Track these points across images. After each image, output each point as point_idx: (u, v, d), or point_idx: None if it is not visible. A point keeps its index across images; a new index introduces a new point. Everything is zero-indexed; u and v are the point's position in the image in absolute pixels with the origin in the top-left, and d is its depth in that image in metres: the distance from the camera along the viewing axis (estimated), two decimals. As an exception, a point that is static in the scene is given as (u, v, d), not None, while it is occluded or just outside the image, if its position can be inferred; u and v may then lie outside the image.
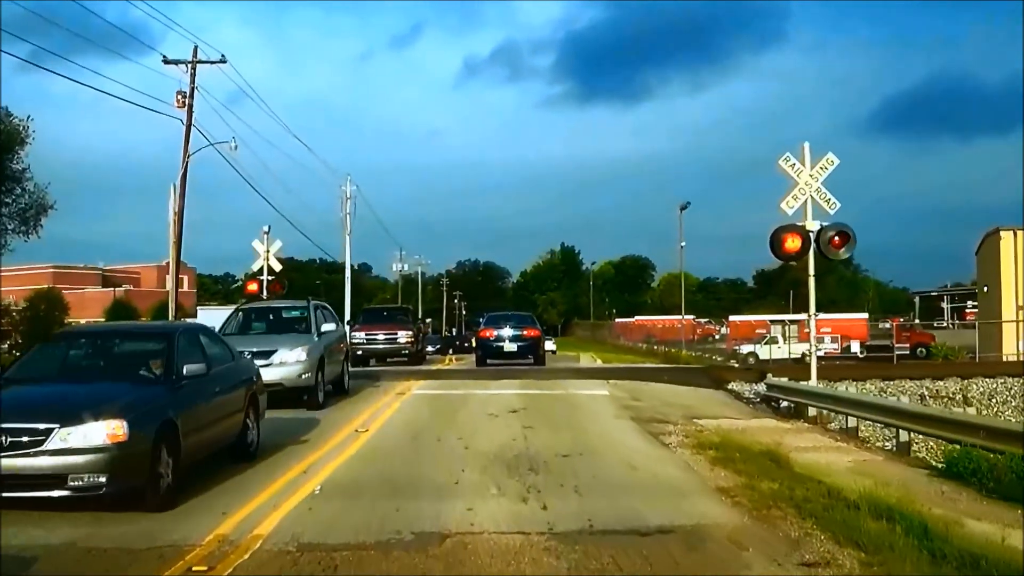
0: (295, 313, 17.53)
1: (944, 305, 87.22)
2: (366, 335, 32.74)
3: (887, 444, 17.08)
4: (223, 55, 33.32)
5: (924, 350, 47.64)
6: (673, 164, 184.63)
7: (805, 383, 17.41)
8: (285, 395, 14.51)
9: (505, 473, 9.52)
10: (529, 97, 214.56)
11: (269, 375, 13.62)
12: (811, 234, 17.56)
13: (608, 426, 13.78)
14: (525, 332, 30.57)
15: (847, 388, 17.17)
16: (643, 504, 8.17)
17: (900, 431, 13.07)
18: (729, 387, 21.32)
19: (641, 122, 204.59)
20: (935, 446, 14.38)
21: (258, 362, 13.12)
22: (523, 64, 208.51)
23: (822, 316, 47.47)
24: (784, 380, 18.52)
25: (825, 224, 17.65)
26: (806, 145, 18.07)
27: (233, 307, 34.10)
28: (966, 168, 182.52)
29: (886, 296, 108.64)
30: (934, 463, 12.22)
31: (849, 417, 14.82)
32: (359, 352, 32.02)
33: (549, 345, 46.44)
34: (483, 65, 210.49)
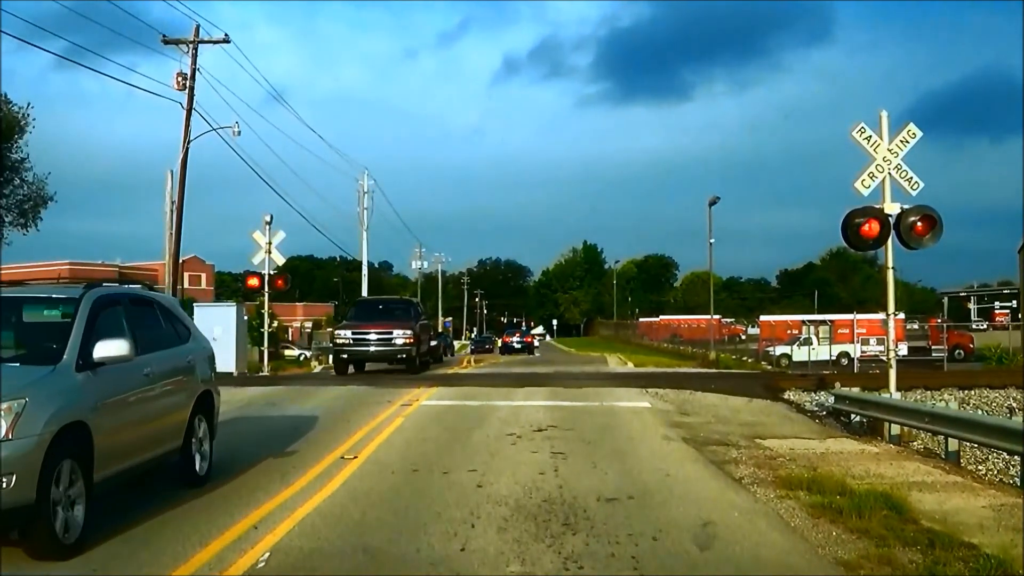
0: (50, 313, 7.69)
1: (971, 306, 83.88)
2: (354, 334, 26.51)
3: (981, 468, 14.44)
4: (226, 34, 31.16)
5: (962, 352, 44.86)
6: (699, 162, 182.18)
7: (885, 395, 14.65)
8: None
9: (532, 531, 6.86)
10: (568, 96, 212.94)
11: None
12: (890, 218, 14.77)
13: (658, 452, 11.08)
14: (525, 339, 68.64)
15: (944, 402, 14.34)
16: (738, 592, 5.55)
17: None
18: (785, 396, 18.67)
19: (669, 120, 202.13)
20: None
21: None
22: (562, 62, 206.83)
23: (862, 317, 45.09)
24: (856, 391, 15.81)
25: (906, 207, 14.88)
26: (884, 113, 15.25)
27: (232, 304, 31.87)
28: (996, 168, 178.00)
29: (915, 296, 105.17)
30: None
31: (950, 439, 12.12)
32: (344, 356, 26.57)
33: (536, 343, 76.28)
34: (522, 63, 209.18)
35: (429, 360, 30.90)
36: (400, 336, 26.19)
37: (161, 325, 8.72)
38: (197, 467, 8.77)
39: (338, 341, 26.89)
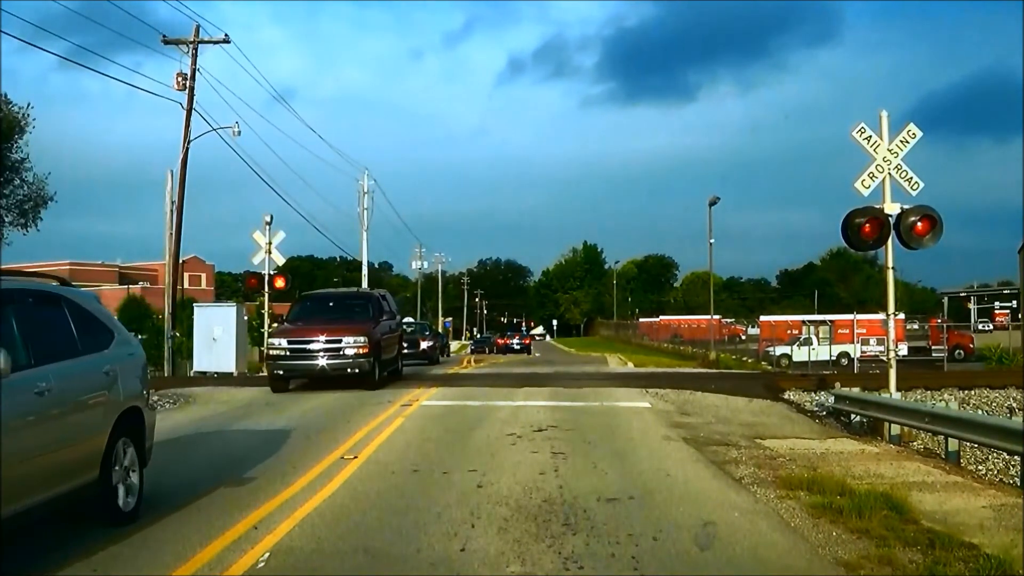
0: None
1: (971, 306, 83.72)
2: (290, 343, 19.36)
3: (981, 468, 14.44)
4: (226, 35, 31.25)
5: (962, 352, 44.83)
6: (701, 162, 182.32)
7: (885, 395, 14.66)
8: None
9: (532, 532, 6.87)
10: (572, 96, 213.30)
11: None
12: (890, 218, 14.77)
13: (659, 452, 11.08)
14: (524, 340, 76.90)
15: (944, 402, 14.30)
16: (739, 592, 5.55)
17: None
18: (785, 397, 18.66)
19: (672, 121, 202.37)
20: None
21: None
22: (567, 62, 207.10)
23: (862, 317, 45.06)
24: (856, 391, 15.78)
25: (907, 207, 14.88)
26: (884, 113, 15.27)
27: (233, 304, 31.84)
28: (997, 168, 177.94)
29: (915, 296, 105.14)
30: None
31: (950, 439, 12.11)
32: (279, 372, 19.36)
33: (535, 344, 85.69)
34: (526, 63, 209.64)
35: (400, 368, 23.58)
36: (350, 345, 19.19)
37: (70, 329, 6.92)
38: (120, 502, 7.11)
39: (271, 352, 19.89)
